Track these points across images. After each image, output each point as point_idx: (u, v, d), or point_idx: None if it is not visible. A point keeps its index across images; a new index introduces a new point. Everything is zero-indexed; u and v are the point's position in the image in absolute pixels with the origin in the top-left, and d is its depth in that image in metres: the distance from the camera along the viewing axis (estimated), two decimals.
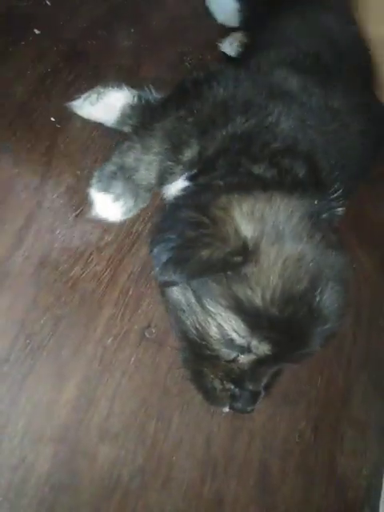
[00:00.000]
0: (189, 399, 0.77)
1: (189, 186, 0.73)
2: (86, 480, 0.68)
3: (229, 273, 0.60)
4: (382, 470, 0.95)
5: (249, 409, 0.68)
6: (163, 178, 0.76)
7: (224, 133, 0.71)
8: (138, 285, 0.81)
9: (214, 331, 0.63)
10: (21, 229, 0.73)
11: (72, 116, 0.83)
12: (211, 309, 0.62)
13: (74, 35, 0.89)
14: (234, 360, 0.65)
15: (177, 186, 0.76)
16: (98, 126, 0.85)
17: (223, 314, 0.61)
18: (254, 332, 0.61)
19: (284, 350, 0.62)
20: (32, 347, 0.69)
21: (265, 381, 0.67)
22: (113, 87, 0.83)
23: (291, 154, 0.69)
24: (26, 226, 0.74)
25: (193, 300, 0.64)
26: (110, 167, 0.75)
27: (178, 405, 0.78)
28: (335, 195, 0.68)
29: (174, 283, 0.64)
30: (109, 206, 0.75)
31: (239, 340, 0.62)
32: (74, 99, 0.83)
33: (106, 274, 0.79)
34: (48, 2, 0.88)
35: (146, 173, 0.75)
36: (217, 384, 0.66)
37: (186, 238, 0.61)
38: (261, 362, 0.64)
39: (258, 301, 0.59)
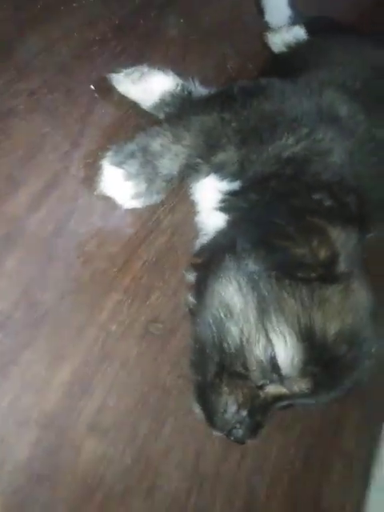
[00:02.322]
0: (186, 405, 0.70)
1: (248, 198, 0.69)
2: (68, 475, 0.60)
3: (313, 298, 0.56)
4: (364, 507, 0.91)
5: (247, 441, 0.62)
6: (186, 173, 0.72)
7: (270, 150, 0.68)
8: (151, 275, 0.76)
9: (259, 349, 0.57)
10: (44, 188, 0.67)
11: (111, 88, 0.79)
12: (274, 326, 0.56)
13: (127, 10, 0.87)
14: (261, 387, 0.59)
15: (209, 190, 0.73)
16: (136, 105, 0.81)
17: (287, 336, 0.55)
18: (306, 366, 0.55)
19: (318, 391, 0.57)
20: (32, 318, 0.63)
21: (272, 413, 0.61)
22: (159, 70, 0.80)
23: (341, 187, 0.67)
24: (50, 188, 0.68)
25: (252, 307, 0.58)
26: (131, 146, 0.69)
27: (174, 409, 0.71)
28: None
29: (251, 271, 0.59)
30: (118, 183, 0.68)
31: (287, 370, 0.56)
32: (116, 72, 0.79)
33: (120, 256, 0.73)
34: None
35: (170, 162, 0.69)
36: (231, 407, 0.60)
37: (284, 231, 0.58)
38: (286, 396, 0.58)
39: (331, 333, 0.55)
